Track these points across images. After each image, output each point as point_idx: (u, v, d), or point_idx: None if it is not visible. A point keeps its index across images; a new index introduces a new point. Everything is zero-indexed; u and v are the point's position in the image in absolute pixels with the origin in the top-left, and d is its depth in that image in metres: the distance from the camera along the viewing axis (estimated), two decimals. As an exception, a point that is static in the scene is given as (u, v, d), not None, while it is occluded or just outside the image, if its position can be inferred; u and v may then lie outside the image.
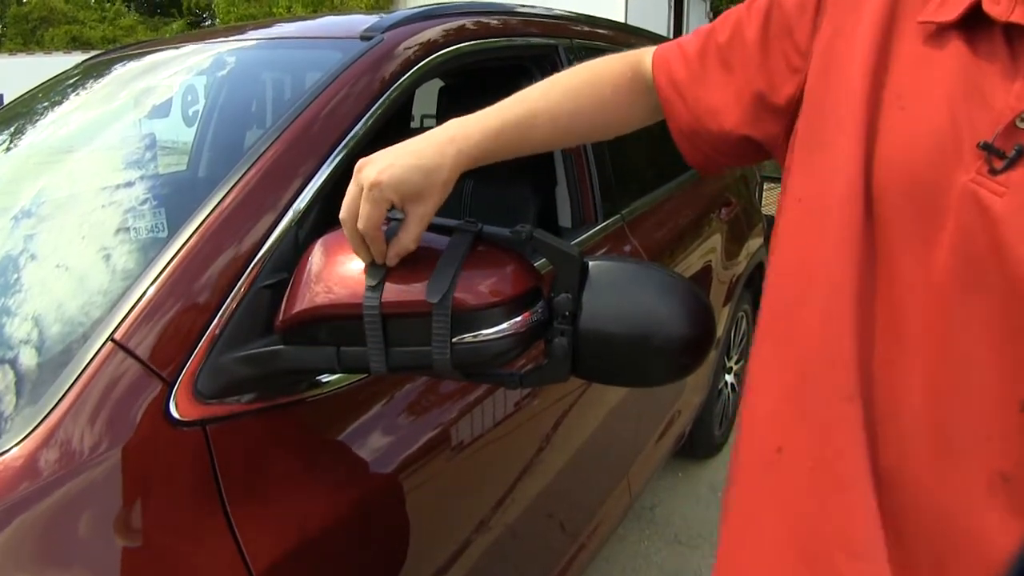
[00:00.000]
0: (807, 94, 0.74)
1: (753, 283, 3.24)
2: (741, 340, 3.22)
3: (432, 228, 0.82)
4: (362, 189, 0.77)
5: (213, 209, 0.98)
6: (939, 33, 0.64)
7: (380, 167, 0.76)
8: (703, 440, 2.93)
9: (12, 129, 1.64)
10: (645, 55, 0.90)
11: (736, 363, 3.19)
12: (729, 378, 3.11)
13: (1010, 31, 0.60)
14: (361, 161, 0.79)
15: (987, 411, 0.59)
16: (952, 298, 0.60)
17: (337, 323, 0.81)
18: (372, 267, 0.79)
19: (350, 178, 0.78)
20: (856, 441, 0.66)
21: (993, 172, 0.59)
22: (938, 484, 0.62)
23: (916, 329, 0.62)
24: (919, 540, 0.63)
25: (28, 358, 0.93)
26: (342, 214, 0.79)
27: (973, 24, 0.62)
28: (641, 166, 2.38)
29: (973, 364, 0.60)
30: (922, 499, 0.62)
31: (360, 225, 0.76)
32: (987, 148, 0.59)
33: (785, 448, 0.72)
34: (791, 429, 0.72)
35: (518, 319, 0.80)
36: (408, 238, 0.78)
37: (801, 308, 0.72)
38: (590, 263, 0.82)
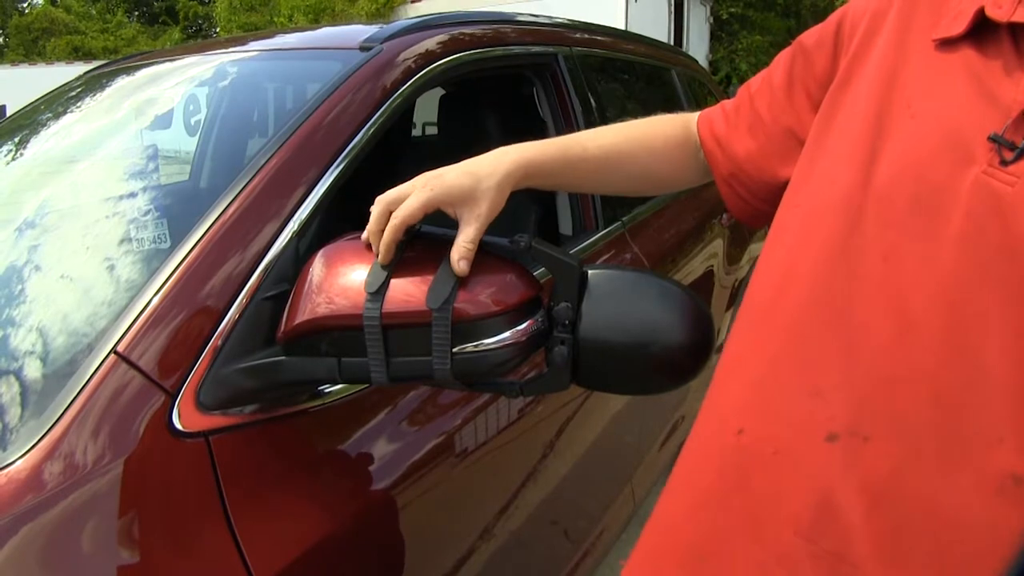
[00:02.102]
0: (818, 114, 0.77)
1: (755, 288, 3.23)
2: (743, 345, 3.21)
3: (431, 237, 0.83)
4: (412, 188, 0.82)
5: (215, 220, 0.98)
6: (949, 46, 0.67)
7: (438, 173, 0.83)
8: (706, 446, 2.93)
9: (15, 140, 1.65)
10: (693, 116, 0.96)
11: (739, 368, 3.18)
12: (732, 383, 3.11)
13: (1015, 31, 0.63)
14: (427, 172, 0.84)
15: (999, 411, 0.59)
16: (961, 294, 0.61)
17: (338, 334, 0.82)
18: (372, 277, 0.80)
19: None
20: (822, 433, 0.67)
21: (1004, 163, 0.60)
22: (941, 486, 0.61)
23: (924, 328, 0.62)
24: (918, 542, 0.62)
25: (31, 370, 0.93)
26: (385, 197, 0.82)
27: (981, 32, 0.65)
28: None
29: (983, 362, 0.60)
30: (923, 500, 0.62)
31: (397, 212, 0.80)
32: (997, 140, 0.61)
33: (746, 431, 0.73)
34: (755, 414, 0.73)
35: (518, 329, 0.80)
36: (465, 237, 0.80)
37: (781, 300, 0.73)
38: (589, 272, 0.82)
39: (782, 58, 0.86)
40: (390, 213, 0.81)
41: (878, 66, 0.72)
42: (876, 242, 0.66)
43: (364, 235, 0.84)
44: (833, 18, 0.81)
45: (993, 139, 0.61)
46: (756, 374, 0.74)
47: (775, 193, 0.83)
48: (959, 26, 0.66)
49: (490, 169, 0.84)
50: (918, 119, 0.67)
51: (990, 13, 0.64)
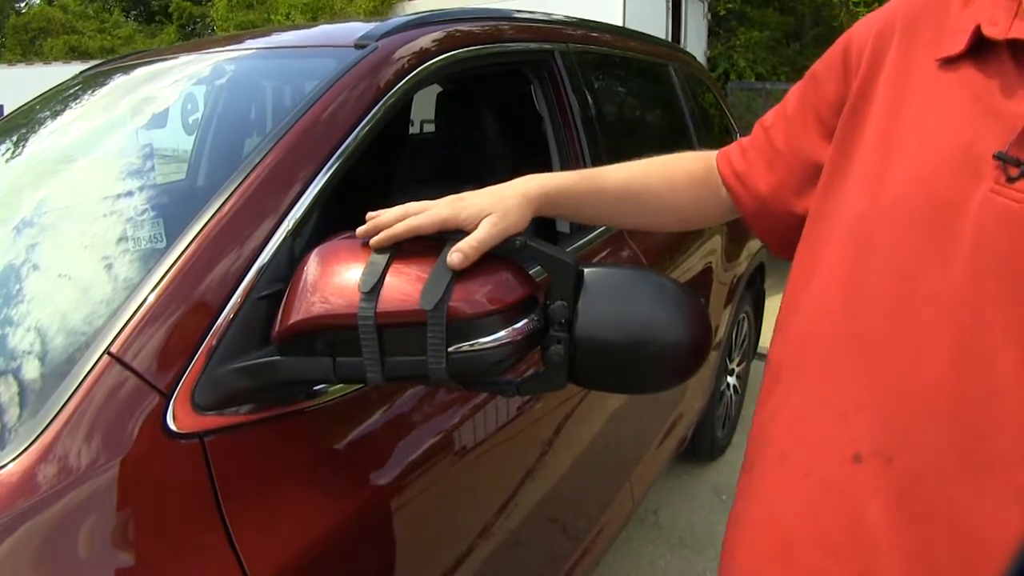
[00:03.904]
0: (835, 140, 0.77)
1: (754, 284, 3.23)
2: (742, 342, 3.21)
3: (427, 237, 0.82)
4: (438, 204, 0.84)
5: (209, 219, 0.98)
6: (951, 65, 0.67)
7: (462, 196, 0.85)
8: (705, 443, 2.93)
9: (12, 140, 1.65)
10: (713, 154, 0.97)
11: (738, 365, 3.18)
12: (731, 380, 3.11)
13: (1015, 47, 0.63)
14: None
15: (1018, 426, 0.59)
16: (972, 312, 0.61)
17: (333, 333, 0.81)
18: (366, 276, 0.79)
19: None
20: (848, 453, 0.68)
21: (1010, 180, 0.60)
22: (967, 503, 0.61)
23: (937, 347, 0.62)
24: (947, 560, 0.62)
25: (24, 371, 0.93)
26: (408, 205, 0.84)
27: (981, 50, 0.65)
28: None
29: (997, 379, 0.60)
30: (949, 518, 0.62)
31: (413, 219, 0.81)
32: (1002, 158, 0.61)
33: (788, 454, 0.75)
34: (794, 438, 0.75)
35: (514, 328, 0.80)
36: (474, 236, 0.80)
37: (817, 331, 0.74)
38: (585, 270, 0.82)
39: (795, 89, 0.87)
40: (407, 217, 0.82)
41: (885, 90, 0.72)
42: (890, 265, 0.67)
43: (361, 229, 0.84)
44: (840, 41, 0.81)
45: (998, 157, 0.61)
46: (798, 401, 0.75)
47: (803, 222, 0.83)
48: (959, 44, 0.66)
49: (512, 191, 0.86)
50: (924, 141, 0.67)
51: (986, 31, 0.64)
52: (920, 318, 0.64)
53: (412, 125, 3.02)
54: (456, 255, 0.78)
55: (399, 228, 0.81)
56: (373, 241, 0.82)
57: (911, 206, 0.66)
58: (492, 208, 0.82)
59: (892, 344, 0.66)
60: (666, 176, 0.95)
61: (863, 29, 0.78)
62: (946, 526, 0.62)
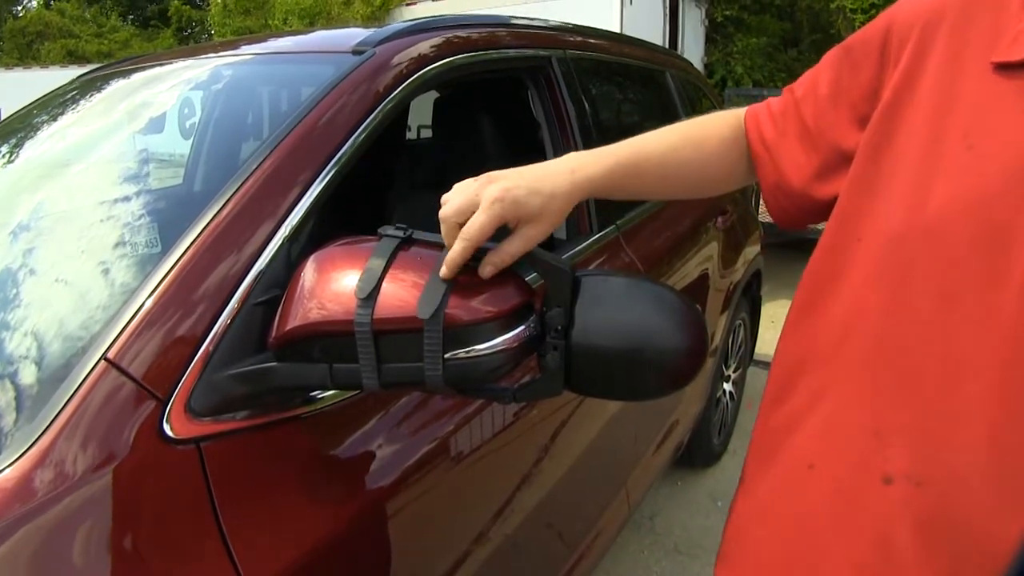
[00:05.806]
0: (867, 134, 0.73)
1: (751, 291, 3.24)
2: (739, 349, 3.21)
3: (423, 244, 0.82)
4: (479, 199, 0.77)
5: (206, 225, 0.98)
6: (1007, 73, 0.63)
7: (505, 185, 0.78)
8: (702, 449, 2.93)
9: (10, 144, 1.64)
10: (742, 112, 0.92)
11: (734, 372, 3.19)
12: (727, 386, 3.11)
13: None
14: (488, 175, 0.80)
15: None
16: (1021, 341, 0.59)
17: (330, 340, 0.81)
18: (363, 282, 0.79)
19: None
20: (879, 474, 0.66)
21: None
22: (998, 529, 0.60)
23: (982, 373, 0.60)
24: None
25: (22, 377, 0.93)
26: (447, 212, 0.78)
27: None
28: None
29: None
30: (979, 543, 0.61)
31: (468, 231, 0.76)
32: None
33: (816, 466, 0.74)
34: (823, 451, 0.73)
35: (510, 335, 0.80)
36: (507, 251, 0.78)
37: (849, 339, 0.72)
38: (582, 277, 0.82)
39: (828, 63, 0.82)
40: (459, 226, 0.78)
41: (932, 88, 0.68)
42: (932, 283, 0.64)
43: (444, 256, 0.80)
44: (880, 24, 0.76)
45: None
46: (827, 411, 0.73)
47: (821, 206, 0.81)
48: (1018, 51, 0.62)
49: (554, 189, 0.81)
50: (976, 152, 0.63)
51: None
52: (963, 343, 0.61)
53: (409, 131, 3.03)
54: (488, 268, 0.78)
55: (460, 256, 0.77)
56: (443, 272, 0.78)
57: (960, 225, 0.62)
58: (539, 212, 0.79)
59: (930, 366, 0.63)
60: (700, 146, 0.90)
61: (907, 14, 0.72)
62: (975, 553, 0.61)
